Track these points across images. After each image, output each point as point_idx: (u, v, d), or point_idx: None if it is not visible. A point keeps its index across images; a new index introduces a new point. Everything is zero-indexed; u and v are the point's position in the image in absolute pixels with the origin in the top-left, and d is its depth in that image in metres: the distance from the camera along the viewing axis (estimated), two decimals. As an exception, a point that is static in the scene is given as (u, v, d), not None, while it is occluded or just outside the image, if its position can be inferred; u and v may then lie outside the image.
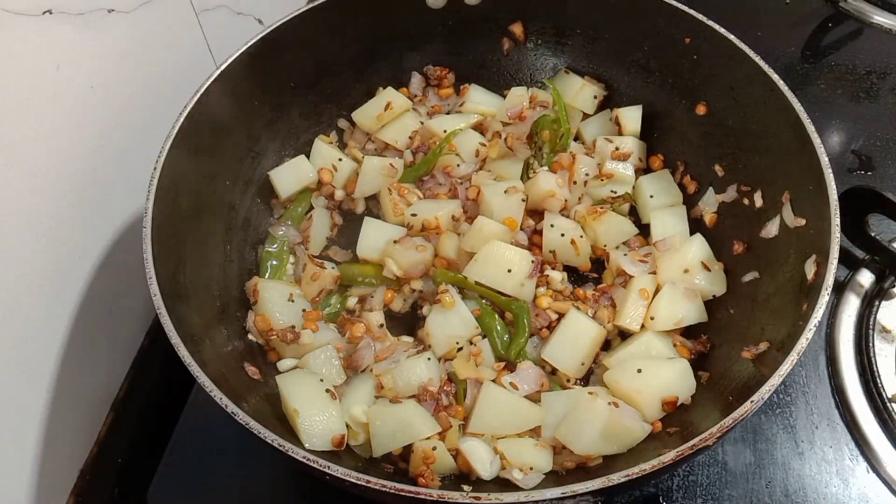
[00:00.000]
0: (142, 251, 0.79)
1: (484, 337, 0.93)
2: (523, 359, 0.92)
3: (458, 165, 1.09)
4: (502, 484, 0.81)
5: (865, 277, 1.03)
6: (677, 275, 0.95)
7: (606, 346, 0.95)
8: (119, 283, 1.00)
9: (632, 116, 1.11)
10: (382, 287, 1.00)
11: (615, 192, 1.05)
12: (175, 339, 0.73)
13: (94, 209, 0.94)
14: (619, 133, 1.12)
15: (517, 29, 1.17)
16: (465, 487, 0.80)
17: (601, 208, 1.02)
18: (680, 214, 1.04)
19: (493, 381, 0.88)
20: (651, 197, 1.06)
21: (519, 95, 1.16)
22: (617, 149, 1.08)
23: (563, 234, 1.00)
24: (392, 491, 0.63)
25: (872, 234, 1.00)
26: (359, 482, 0.64)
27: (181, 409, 0.96)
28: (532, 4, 1.14)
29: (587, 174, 1.06)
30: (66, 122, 0.87)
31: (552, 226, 1.00)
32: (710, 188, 1.04)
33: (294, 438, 0.80)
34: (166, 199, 0.85)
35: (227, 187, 1.02)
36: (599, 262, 1.03)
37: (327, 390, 0.85)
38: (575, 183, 1.06)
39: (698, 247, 0.96)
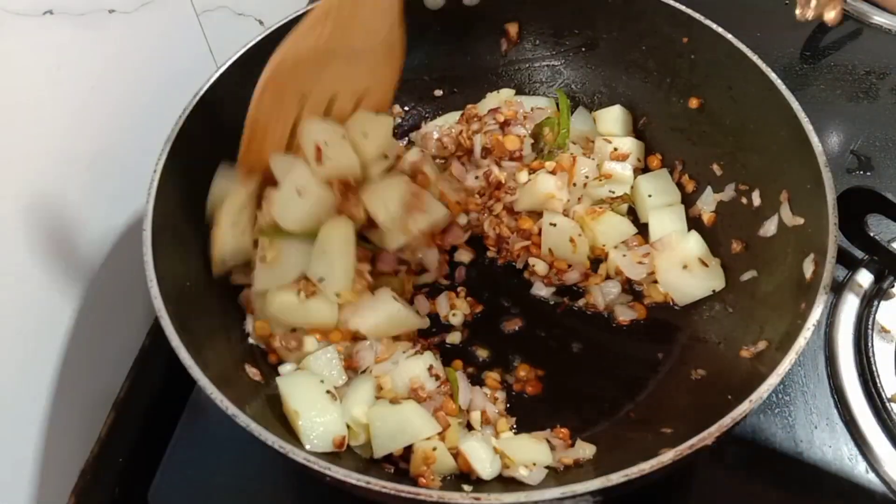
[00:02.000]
0: (142, 253, 0.79)
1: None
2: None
3: None
4: (504, 483, 0.82)
5: (864, 278, 1.03)
6: (676, 272, 0.96)
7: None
8: (120, 282, 1.00)
9: (610, 118, 1.12)
10: None
11: (613, 193, 1.05)
12: (175, 341, 0.73)
13: (94, 209, 0.94)
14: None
15: (512, 29, 1.17)
16: (466, 487, 0.80)
17: (600, 208, 1.03)
18: (678, 213, 1.04)
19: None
20: (649, 196, 1.06)
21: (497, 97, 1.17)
22: (616, 149, 1.08)
23: (561, 231, 1.00)
24: (392, 492, 0.63)
25: (871, 235, 1.00)
26: (359, 483, 0.64)
27: (182, 409, 0.96)
28: (529, 4, 1.14)
29: (587, 176, 1.06)
30: (66, 123, 0.87)
31: (553, 224, 1.01)
32: (709, 187, 1.04)
33: (295, 439, 0.80)
34: (166, 201, 0.85)
35: (227, 188, 1.02)
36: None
37: (328, 392, 0.85)
38: (574, 185, 1.06)
39: (694, 243, 0.97)
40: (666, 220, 1.03)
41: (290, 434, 0.81)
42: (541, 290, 1.01)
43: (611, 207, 1.04)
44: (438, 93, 1.22)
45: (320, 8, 0.84)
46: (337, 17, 0.85)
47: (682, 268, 0.95)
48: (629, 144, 1.09)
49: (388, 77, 0.98)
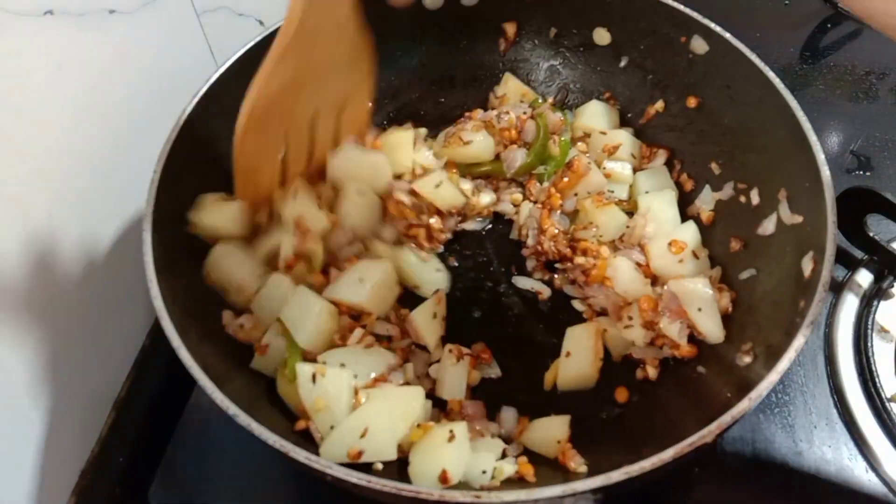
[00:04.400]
0: (142, 253, 0.79)
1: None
2: None
3: None
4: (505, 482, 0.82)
5: (864, 278, 1.03)
6: (667, 259, 0.96)
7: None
8: (120, 282, 1.00)
9: (588, 113, 1.13)
10: None
11: (612, 192, 1.06)
12: (176, 341, 0.73)
13: (94, 209, 0.95)
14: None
15: (510, 28, 1.17)
16: (466, 486, 0.80)
17: (606, 199, 1.03)
18: (671, 201, 1.04)
19: None
20: (647, 193, 1.06)
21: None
22: (608, 142, 1.09)
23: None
24: (393, 490, 0.63)
25: (871, 235, 1.00)
26: (360, 482, 0.64)
27: (183, 408, 0.96)
28: (528, 4, 1.15)
29: (588, 192, 1.05)
30: (66, 123, 0.87)
31: None
32: (707, 186, 1.04)
33: (296, 440, 0.80)
34: (166, 201, 0.85)
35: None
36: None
37: None
38: (576, 195, 1.05)
39: (690, 234, 0.98)
40: (657, 203, 1.03)
41: (291, 433, 0.81)
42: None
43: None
44: (437, 93, 1.22)
45: (277, 49, 0.82)
46: (297, 50, 0.83)
47: (679, 262, 0.96)
48: (621, 136, 1.10)
49: (364, 79, 0.98)
